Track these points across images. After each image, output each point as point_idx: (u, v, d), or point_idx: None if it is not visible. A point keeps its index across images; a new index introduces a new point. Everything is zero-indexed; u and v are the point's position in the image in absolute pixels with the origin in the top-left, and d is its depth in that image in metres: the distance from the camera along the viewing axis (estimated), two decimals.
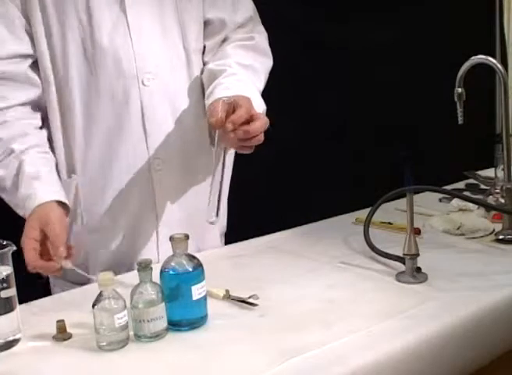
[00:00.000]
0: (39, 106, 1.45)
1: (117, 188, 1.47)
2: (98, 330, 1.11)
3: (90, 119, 1.43)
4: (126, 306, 1.12)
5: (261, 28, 1.61)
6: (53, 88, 1.43)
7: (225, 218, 1.66)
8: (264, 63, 1.59)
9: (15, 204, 1.38)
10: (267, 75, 1.59)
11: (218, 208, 1.30)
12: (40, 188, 1.35)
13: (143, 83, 1.44)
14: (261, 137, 1.34)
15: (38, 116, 1.45)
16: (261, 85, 1.56)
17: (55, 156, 1.46)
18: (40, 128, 1.45)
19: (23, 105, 1.42)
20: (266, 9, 1.64)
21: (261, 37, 1.60)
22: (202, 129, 1.52)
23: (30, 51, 1.42)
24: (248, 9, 1.58)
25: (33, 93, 1.43)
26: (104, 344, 1.11)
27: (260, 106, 1.45)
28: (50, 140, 1.46)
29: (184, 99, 1.51)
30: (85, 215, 1.48)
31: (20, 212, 1.36)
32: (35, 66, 1.43)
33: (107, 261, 1.49)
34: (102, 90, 1.42)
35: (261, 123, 1.33)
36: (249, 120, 1.32)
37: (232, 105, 1.32)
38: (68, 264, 1.28)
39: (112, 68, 1.42)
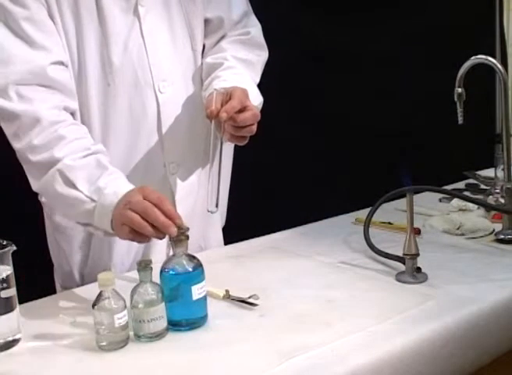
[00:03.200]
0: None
1: None
2: (98, 330, 1.11)
3: (107, 130, 1.42)
4: (126, 306, 1.12)
5: (255, 20, 1.62)
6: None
7: (224, 211, 1.66)
8: (260, 56, 1.60)
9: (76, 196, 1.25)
10: (263, 67, 1.61)
11: (217, 199, 1.32)
12: (121, 178, 1.30)
13: (159, 91, 1.44)
14: (253, 129, 1.35)
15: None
16: (257, 78, 1.57)
17: None
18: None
19: (76, 123, 1.36)
20: (268, 13, 1.65)
21: (256, 30, 1.60)
22: (209, 124, 1.52)
23: (68, 62, 1.36)
24: (242, 3, 1.59)
25: (77, 105, 1.38)
26: (105, 344, 1.11)
27: (256, 98, 1.46)
28: None
29: (195, 100, 1.51)
30: None
31: (88, 205, 1.24)
32: None
33: (121, 261, 1.49)
34: (119, 100, 1.41)
35: (251, 115, 1.34)
36: (242, 111, 1.33)
37: (228, 96, 1.34)
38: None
39: (128, 77, 1.41)
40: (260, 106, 1.48)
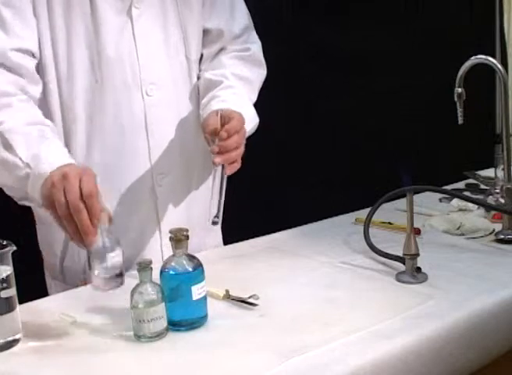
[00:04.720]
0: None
1: (120, 202, 1.45)
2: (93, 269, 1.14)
3: (93, 132, 1.41)
4: (119, 243, 1.14)
5: (256, 37, 1.63)
6: (56, 97, 1.39)
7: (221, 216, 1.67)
8: (259, 74, 1.61)
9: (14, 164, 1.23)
10: (261, 85, 1.62)
11: (218, 212, 1.36)
12: (62, 151, 1.27)
13: (147, 94, 1.43)
14: (241, 150, 1.38)
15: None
16: (255, 96, 1.59)
17: None
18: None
19: (30, 101, 1.34)
20: (267, 17, 1.65)
21: (256, 47, 1.61)
22: (202, 139, 1.51)
23: (38, 54, 1.36)
24: (244, 18, 1.59)
25: (38, 93, 1.37)
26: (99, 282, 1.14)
27: (253, 120, 1.48)
28: None
29: (185, 110, 1.51)
30: None
31: (23, 172, 1.21)
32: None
33: None
34: (106, 98, 1.40)
35: (237, 121, 1.37)
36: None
37: (227, 116, 1.37)
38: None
39: (117, 77, 1.40)
40: (255, 127, 1.50)
